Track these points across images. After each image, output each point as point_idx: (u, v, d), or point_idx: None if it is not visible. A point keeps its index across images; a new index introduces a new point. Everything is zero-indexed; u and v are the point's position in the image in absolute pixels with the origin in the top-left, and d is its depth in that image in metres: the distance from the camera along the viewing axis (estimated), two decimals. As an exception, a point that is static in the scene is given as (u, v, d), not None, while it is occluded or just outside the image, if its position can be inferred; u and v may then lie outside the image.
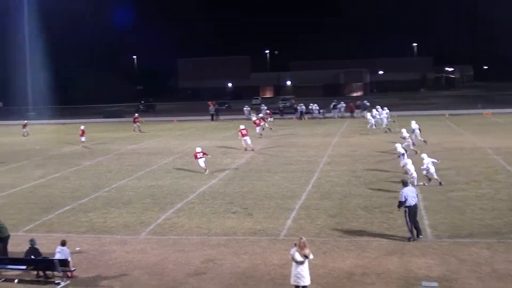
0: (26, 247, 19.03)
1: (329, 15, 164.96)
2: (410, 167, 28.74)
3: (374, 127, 56.48)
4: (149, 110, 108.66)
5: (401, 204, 20.42)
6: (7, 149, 51.77)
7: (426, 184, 28.86)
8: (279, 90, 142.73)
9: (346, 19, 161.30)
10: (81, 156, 45.49)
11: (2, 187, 33.62)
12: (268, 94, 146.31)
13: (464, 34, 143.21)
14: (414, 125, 43.97)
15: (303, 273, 15.31)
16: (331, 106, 76.57)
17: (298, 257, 15.24)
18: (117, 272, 18.57)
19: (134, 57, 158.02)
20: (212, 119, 77.18)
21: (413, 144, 40.35)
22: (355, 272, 17.62)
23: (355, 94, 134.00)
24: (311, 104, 76.45)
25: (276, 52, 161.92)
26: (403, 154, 32.00)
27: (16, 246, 20.56)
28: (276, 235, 21.65)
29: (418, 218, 20.78)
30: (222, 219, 24.22)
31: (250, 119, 75.70)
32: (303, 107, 75.75)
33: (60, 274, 17.85)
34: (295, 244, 15.45)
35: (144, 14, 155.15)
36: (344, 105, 76.52)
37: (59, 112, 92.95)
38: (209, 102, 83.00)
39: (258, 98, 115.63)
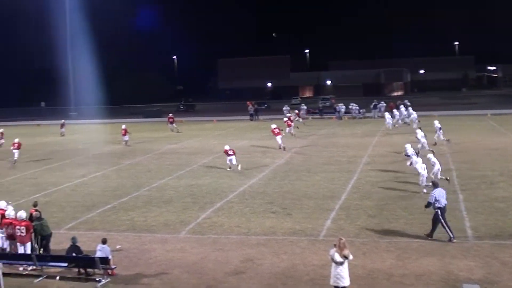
0: (67, 244, 19.28)
1: (369, 14, 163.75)
2: (420, 166, 28.22)
3: (391, 126, 56.91)
4: (189, 110, 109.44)
5: (429, 205, 20.28)
6: (49, 149, 52.50)
7: (448, 179, 28.67)
8: (319, 89, 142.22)
9: (386, 18, 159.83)
10: (121, 155, 45.94)
11: (44, 185, 34.15)
12: (308, 94, 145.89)
13: (507, 32, 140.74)
14: (437, 124, 44.65)
15: (343, 274, 15.23)
16: (371, 105, 76.04)
17: (338, 258, 15.15)
18: (157, 270, 18.70)
19: (174, 57, 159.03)
20: (251, 119, 77.29)
21: (435, 143, 41.39)
22: (395, 274, 17.46)
23: (395, 94, 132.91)
24: (351, 104, 76.05)
25: (309, 52, 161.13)
26: (412, 155, 31.65)
27: (58, 243, 20.86)
28: (316, 236, 21.58)
29: (459, 219, 20.52)
30: (262, 219, 24.23)
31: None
32: (343, 107, 75.39)
33: (101, 271, 18.04)
34: (335, 245, 15.37)
35: (185, 14, 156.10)
36: (384, 104, 75.88)
37: (101, 112, 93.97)
38: (248, 102, 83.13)
39: (297, 98, 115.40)
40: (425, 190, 27.20)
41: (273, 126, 47.13)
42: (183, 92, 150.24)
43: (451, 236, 20.09)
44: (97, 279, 17.97)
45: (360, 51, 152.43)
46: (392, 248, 19.72)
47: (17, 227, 19.57)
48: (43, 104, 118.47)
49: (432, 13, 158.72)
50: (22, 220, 19.72)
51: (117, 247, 20.93)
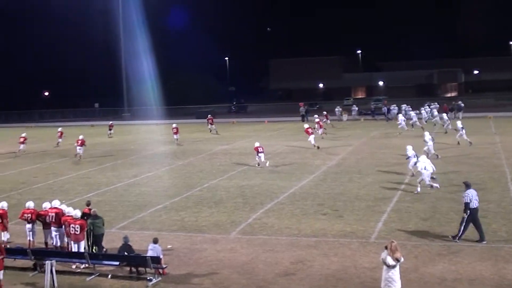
0: (119, 243, 19.52)
1: (421, 14, 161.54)
2: (420, 165, 28.84)
3: (405, 128, 56.87)
4: (240, 111, 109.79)
5: (467, 206, 20.13)
6: (102, 149, 53.31)
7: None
8: (371, 90, 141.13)
9: (438, 18, 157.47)
10: (174, 156, 46.35)
11: (97, 185, 34.68)
12: (360, 95, 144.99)
13: None
14: (459, 125, 45.90)
15: (394, 277, 15.04)
16: (424, 107, 75.06)
17: (390, 261, 14.97)
18: (208, 270, 18.78)
19: (226, 58, 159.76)
20: (303, 120, 77.03)
21: (458, 143, 44.09)
22: (447, 278, 17.17)
23: (449, 95, 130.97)
24: (403, 105, 75.19)
25: (361, 52, 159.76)
26: (412, 156, 31.94)
27: (110, 242, 21.14)
28: (367, 238, 21.39)
29: (507, 222, 20.16)
30: (312, 220, 24.13)
31: (341, 120, 75.44)
32: (396, 108, 74.62)
33: (152, 270, 18.21)
34: (386, 247, 15.21)
35: (237, 15, 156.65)
36: (437, 106, 74.83)
37: (153, 113, 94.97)
38: (300, 103, 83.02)
39: (349, 99, 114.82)
40: (418, 189, 28.34)
41: (306, 126, 48.53)
42: (235, 93, 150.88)
43: (458, 235, 20.21)
44: (148, 278, 18.14)
45: (412, 51, 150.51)
46: (445, 251, 19.42)
47: (72, 225, 19.93)
48: (96, 105, 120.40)
49: (485, 12, 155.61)
50: (77, 218, 20.09)
51: (168, 246, 21.10)
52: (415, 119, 58.31)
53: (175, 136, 54.98)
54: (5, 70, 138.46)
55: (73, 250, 20.04)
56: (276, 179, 34.01)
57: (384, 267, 15.13)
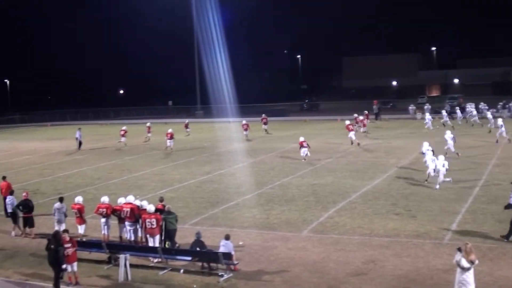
0: (192, 239, 19.79)
1: (497, 10, 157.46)
2: (430, 164, 30.58)
3: (431, 127, 57.13)
4: (312, 109, 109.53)
5: (509, 206, 19.98)
6: (175, 146, 53.98)
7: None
8: (446, 88, 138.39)
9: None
10: (246, 154, 46.63)
11: (171, 181, 35.23)
12: (435, 93, 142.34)
13: None
14: (500, 122, 46.97)
15: (468, 280, 14.76)
16: (500, 105, 73.21)
17: (465, 263, 14.70)
18: (278, 267, 18.85)
19: (298, 56, 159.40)
20: (376, 119, 76.24)
21: (497, 141, 45.26)
22: (525, 281, 16.76)
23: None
24: (481, 104, 73.38)
25: (436, 50, 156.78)
26: (426, 151, 32.51)
27: (183, 238, 21.46)
28: (440, 239, 21.05)
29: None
30: (385, 220, 23.91)
31: (415, 118, 74.30)
32: (473, 106, 72.88)
33: (224, 266, 18.40)
34: (459, 249, 14.94)
35: (309, 14, 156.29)
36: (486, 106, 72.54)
37: (226, 111, 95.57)
38: (374, 101, 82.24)
39: (424, 97, 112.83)
40: (437, 186, 29.65)
41: (347, 122, 49.83)
42: (307, 91, 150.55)
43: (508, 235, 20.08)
44: (219, 273, 18.34)
45: (488, 48, 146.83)
46: (522, 254, 18.95)
47: (147, 219, 20.33)
48: (170, 103, 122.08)
49: None
50: (153, 213, 20.50)
51: (240, 243, 21.28)
52: (490, 117, 56.76)
53: (244, 132, 57.52)
54: (82, 68, 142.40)
55: (149, 244, 20.45)
56: (348, 177, 33.82)
57: (458, 269, 14.88)
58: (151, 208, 20.74)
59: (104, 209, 22.13)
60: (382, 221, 23.83)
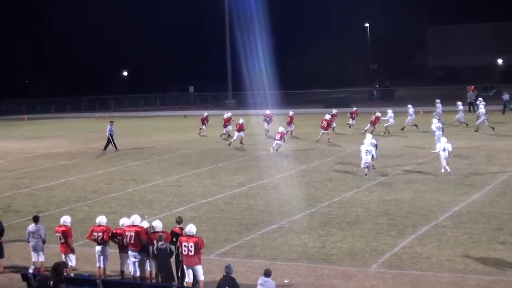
0: (220, 275, 19.75)
1: None
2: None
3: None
4: (385, 98, 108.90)
5: None
6: (198, 147, 54.16)
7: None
8: None
9: None
10: (294, 158, 46.58)
11: (191, 195, 35.33)
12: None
13: None
14: None
15: None
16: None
17: None
18: (338, 316, 18.77)
19: (367, 25, 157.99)
20: (470, 110, 75.21)
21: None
22: None
23: None
24: None
25: None
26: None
27: (208, 273, 21.44)
28: None
29: None
30: (485, 251, 23.67)
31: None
32: None
33: (263, 314, 18.32)
34: None
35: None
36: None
37: (267, 100, 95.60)
38: (468, 87, 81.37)
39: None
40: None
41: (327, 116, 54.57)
42: (378, 72, 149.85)
43: None
44: (256, 323, 18.28)
45: None
46: None
47: (184, 243, 20.24)
48: (191, 89, 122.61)
49: None
50: (192, 235, 20.37)
51: (285, 281, 21.26)
52: None
53: (289, 128, 59.32)
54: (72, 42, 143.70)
55: (186, 278, 20.40)
56: (434, 192, 33.56)
57: None
58: (191, 229, 20.48)
59: (100, 233, 22.17)
60: (481, 251, 23.61)
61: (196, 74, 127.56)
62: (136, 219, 22.23)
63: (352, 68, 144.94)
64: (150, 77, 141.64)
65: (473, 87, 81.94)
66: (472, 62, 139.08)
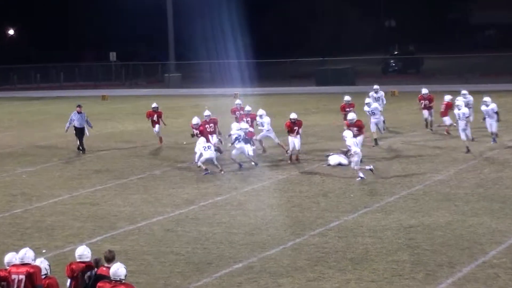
0: None
1: None
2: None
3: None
4: (407, 71, 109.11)
5: None
6: (125, 145, 54.32)
7: None
8: None
9: None
10: (270, 163, 46.64)
11: (112, 219, 35.48)
12: None
13: None
14: None
15: None
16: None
17: None
18: None
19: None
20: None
21: None
22: None
23: None
24: None
25: None
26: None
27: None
28: None
29: None
30: None
31: None
32: None
33: None
34: None
35: None
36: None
37: (228, 75, 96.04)
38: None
39: None
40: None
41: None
42: (397, 32, 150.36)
43: None
44: None
45: None
46: None
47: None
48: (113, 55, 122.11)
49: None
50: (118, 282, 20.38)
51: None
52: None
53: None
54: None
55: None
56: (482, 214, 33.67)
57: None
58: (117, 271, 20.40)
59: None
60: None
61: (121, 35, 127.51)
62: (27, 254, 22.15)
63: (357, 26, 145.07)
64: (48, 37, 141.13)
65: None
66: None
